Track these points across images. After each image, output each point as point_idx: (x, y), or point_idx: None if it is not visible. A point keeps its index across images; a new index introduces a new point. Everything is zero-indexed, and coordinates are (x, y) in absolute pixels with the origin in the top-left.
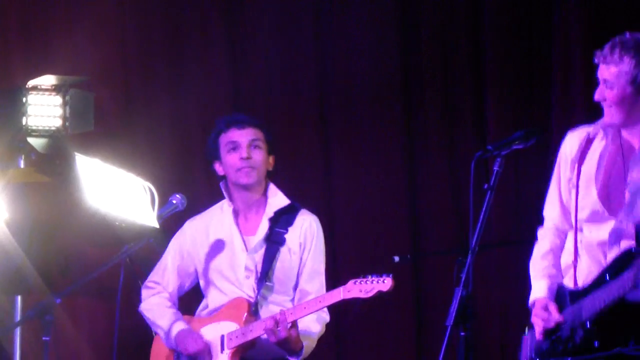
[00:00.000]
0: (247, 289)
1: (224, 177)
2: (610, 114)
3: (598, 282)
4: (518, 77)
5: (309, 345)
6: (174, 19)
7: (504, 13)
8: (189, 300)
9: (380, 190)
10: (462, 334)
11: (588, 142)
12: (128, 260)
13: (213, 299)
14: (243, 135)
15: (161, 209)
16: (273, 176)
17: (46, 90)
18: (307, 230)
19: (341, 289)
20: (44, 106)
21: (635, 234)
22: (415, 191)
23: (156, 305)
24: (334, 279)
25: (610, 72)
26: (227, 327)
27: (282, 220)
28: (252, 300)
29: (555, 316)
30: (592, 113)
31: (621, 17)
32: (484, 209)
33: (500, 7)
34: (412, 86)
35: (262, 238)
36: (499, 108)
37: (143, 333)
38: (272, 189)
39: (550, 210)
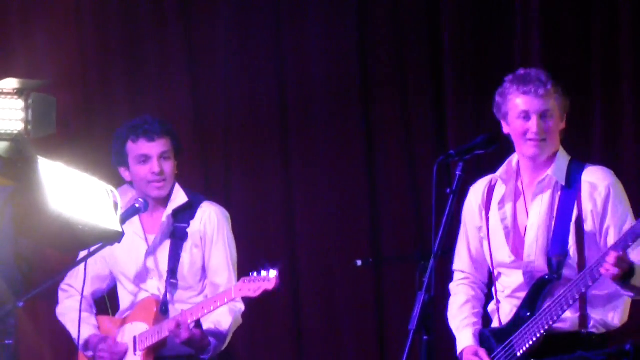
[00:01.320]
0: (152, 288)
1: (130, 183)
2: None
3: (520, 319)
4: (478, 82)
5: (217, 341)
6: (132, 23)
7: (463, 18)
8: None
9: (341, 194)
10: (425, 337)
11: (490, 189)
12: None
13: (122, 299)
14: (153, 148)
15: (124, 212)
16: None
17: (8, 93)
18: (206, 222)
19: (232, 288)
20: (5, 110)
21: (547, 264)
22: (376, 195)
23: (69, 309)
24: (294, 284)
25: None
26: (139, 328)
27: (185, 215)
28: (160, 299)
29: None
30: None
31: (578, 32)
32: (446, 213)
33: (459, 12)
34: (371, 91)
35: (161, 235)
36: (459, 112)
37: None
38: (176, 189)
39: (460, 263)
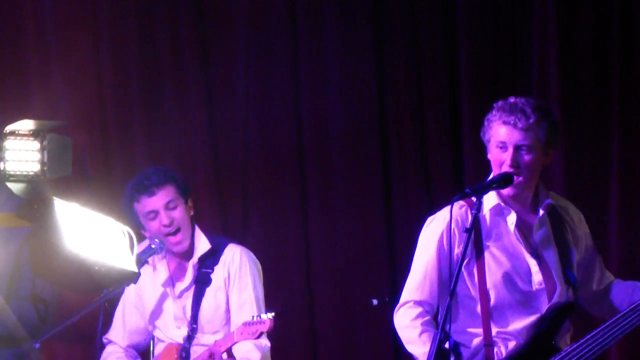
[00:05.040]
0: (178, 337)
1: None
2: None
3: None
4: None
5: None
6: (150, 62)
7: (480, 55)
8: None
9: (359, 235)
10: None
11: (474, 215)
12: (107, 304)
13: (156, 350)
14: (157, 202)
15: (140, 252)
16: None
17: (24, 135)
18: (229, 264)
19: (235, 331)
20: (22, 151)
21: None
22: (394, 235)
23: (109, 354)
24: (311, 322)
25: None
26: None
27: (209, 260)
28: (180, 345)
29: None
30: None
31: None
32: (462, 251)
33: (477, 48)
34: (389, 131)
35: (189, 283)
36: (476, 152)
37: None
38: (197, 234)
39: (420, 294)
